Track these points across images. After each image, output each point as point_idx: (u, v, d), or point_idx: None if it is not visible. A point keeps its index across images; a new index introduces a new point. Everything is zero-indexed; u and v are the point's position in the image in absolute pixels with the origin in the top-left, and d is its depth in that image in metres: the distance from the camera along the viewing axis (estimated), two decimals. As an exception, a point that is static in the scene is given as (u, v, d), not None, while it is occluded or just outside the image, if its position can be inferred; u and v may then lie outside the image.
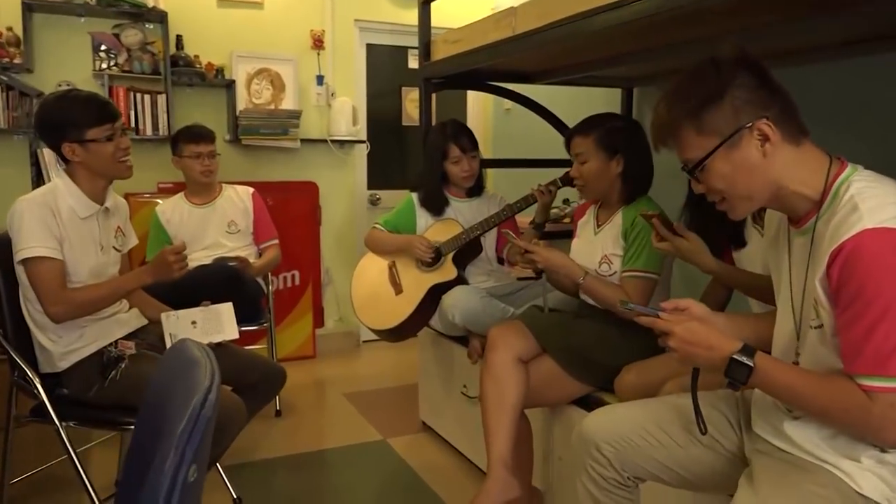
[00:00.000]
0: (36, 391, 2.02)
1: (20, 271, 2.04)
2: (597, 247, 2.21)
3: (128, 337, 2.20)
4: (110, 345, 2.14)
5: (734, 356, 1.25)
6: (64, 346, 2.08)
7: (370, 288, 2.93)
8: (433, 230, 2.87)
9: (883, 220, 1.14)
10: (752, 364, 1.24)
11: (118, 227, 2.28)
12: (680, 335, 1.31)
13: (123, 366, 2.09)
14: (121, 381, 2.07)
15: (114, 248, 2.25)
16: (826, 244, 1.20)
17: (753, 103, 1.26)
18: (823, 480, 1.23)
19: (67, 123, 2.05)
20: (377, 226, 2.98)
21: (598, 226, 2.25)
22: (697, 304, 1.43)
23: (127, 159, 2.15)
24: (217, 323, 2.31)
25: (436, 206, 2.91)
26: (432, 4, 3.22)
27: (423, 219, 2.93)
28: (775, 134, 1.25)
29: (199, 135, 3.33)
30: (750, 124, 1.26)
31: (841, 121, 2.38)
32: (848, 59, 2.38)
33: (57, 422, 2.02)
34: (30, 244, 1.99)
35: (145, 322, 2.32)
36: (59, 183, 2.11)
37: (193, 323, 2.28)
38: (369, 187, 4.85)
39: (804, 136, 1.29)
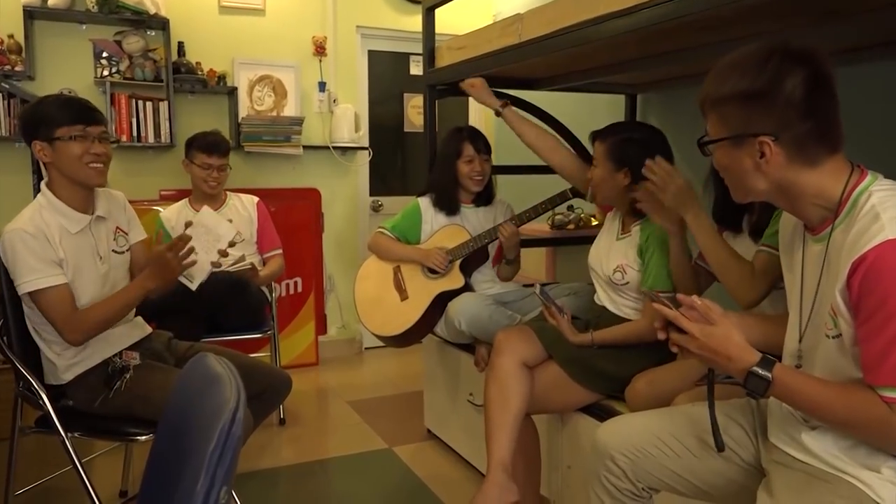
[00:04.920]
0: (41, 402, 2.01)
1: (26, 300, 2.02)
2: (616, 254, 2.19)
3: (132, 347, 2.18)
4: (115, 356, 2.12)
5: (752, 370, 1.24)
6: (68, 358, 2.06)
7: (374, 292, 2.91)
8: (440, 236, 2.86)
9: None
10: (770, 377, 1.23)
11: (116, 228, 2.21)
12: (701, 342, 1.30)
13: (128, 376, 2.07)
14: (126, 392, 2.06)
15: (113, 251, 2.18)
16: (845, 254, 1.19)
17: (774, 118, 1.22)
18: (844, 492, 1.22)
19: (41, 121, 2.00)
20: (384, 230, 2.95)
21: (622, 233, 2.22)
22: (715, 305, 1.40)
23: (97, 165, 2.04)
24: (211, 231, 2.24)
25: (449, 205, 2.89)
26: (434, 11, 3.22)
27: (428, 224, 2.91)
28: (777, 155, 1.24)
29: (213, 146, 3.29)
30: (754, 135, 1.25)
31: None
32: (852, 65, 2.38)
33: (62, 433, 1.99)
34: (30, 277, 1.94)
35: (149, 331, 2.31)
36: (42, 201, 2.04)
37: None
38: (371, 194, 4.85)
39: (831, 154, 1.25)
